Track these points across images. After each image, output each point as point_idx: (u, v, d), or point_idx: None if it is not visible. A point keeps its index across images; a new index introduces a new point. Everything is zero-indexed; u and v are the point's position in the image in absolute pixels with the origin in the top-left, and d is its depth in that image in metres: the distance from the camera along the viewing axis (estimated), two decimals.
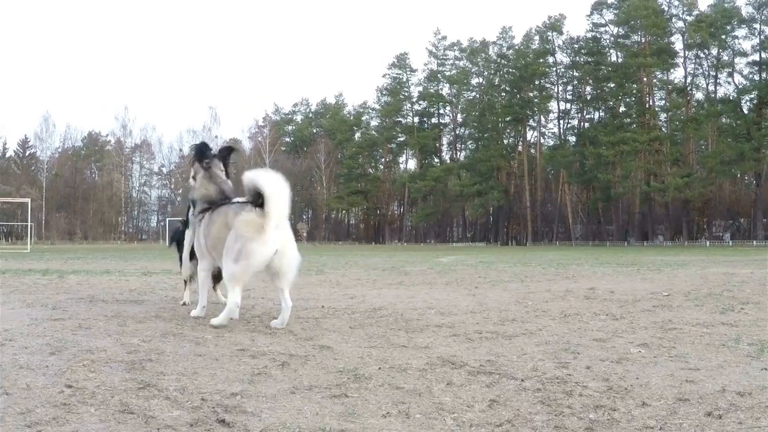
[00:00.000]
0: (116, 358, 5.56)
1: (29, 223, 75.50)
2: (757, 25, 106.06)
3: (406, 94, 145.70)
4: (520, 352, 5.95)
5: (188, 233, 9.24)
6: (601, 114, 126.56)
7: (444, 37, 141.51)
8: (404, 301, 10.08)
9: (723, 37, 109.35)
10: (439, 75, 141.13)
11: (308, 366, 5.34)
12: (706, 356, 5.75)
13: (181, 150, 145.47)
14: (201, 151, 8.56)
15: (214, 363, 5.42)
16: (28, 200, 69.70)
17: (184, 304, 9.62)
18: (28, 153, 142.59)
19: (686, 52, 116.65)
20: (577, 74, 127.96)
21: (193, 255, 9.06)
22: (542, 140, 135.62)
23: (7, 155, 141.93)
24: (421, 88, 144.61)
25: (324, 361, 5.56)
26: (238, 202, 7.79)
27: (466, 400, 4.26)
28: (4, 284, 13.81)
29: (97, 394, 4.35)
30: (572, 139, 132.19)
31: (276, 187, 7.30)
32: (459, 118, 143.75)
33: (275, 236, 7.36)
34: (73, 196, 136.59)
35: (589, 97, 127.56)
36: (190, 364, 5.34)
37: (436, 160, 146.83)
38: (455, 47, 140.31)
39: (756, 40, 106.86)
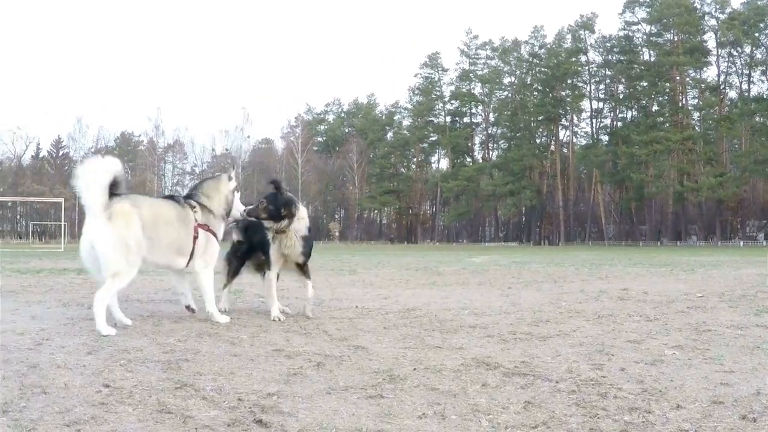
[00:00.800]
0: (153, 358, 5.60)
1: (63, 223, 75.92)
2: None
3: (438, 93, 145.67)
4: (555, 354, 5.95)
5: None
6: (633, 113, 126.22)
7: (476, 37, 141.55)
8: (438, 302, 10.08)
9: (756, 34, 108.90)
10: (471, 74, 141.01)
11: (343, 366, 5.36)
12: (740, 359, 5.72)
13: (213, 150, 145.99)
14: None
15: (250, 363, 5.44)
16: (62, 200, 69.95)
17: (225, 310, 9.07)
18: (61, 153, 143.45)
19: (719, 51, 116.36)
20: (609, 73, 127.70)
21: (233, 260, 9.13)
22: (575, 139, 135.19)
23: (41, 155, 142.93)
24: (453, 88, 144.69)
25: (359, 361, 5.58)
26: None
27: (501, 402, 4.26)
28: (39, 283, 13.91)
29: (134, 394, 4.38)
30: (605, 138, 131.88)
31: (81, 171, 7.06)
32: (491, 117, 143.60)
33: (86, 227, 7.15)
34: None
35: (621, 96, 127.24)
36: (226, 364, 5.37)
37: (469, 159, 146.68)
38: (487, 46, 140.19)
39: None
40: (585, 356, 5.83)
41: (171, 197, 8.00)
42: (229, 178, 8.28)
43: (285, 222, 8.13)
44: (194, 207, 7.81)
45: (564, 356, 5.83)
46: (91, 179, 6.92)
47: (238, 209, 8.37)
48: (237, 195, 8.37)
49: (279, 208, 8.07)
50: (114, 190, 7.12)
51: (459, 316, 8.53)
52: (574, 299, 11.18)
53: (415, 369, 5.26)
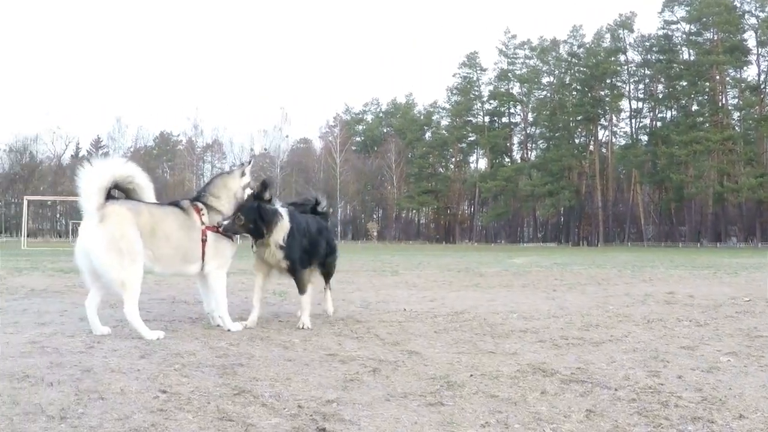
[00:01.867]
0: (207, 363, 5.61)
1: None
2: None
3: (477, 93, 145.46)
4: (609, 360, 5.92)
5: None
6: (673, 113, 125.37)
7: (514, 36, 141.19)
8: (484, 305, 10.03)
9: None
10: (509, 74, 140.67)
11: (399, 372, 5.35)
12: None
13: (252, 150, 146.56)
14: None
15: (305, 368, 5.44)
16: None
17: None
18: (100, 153, 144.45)
19: (759, 50, 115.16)
20: (648, 72, 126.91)
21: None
22: (614, 139, 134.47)
23: (80, 155, 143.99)
24: (491, 87, 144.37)
25: (414, 367, 5.57)
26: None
27: (562, 410, 4.24)
28: (84, 283, 13.98)
29: (192, 400, 4.38)
30: (644, 138, 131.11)
31: (81, 173, 6.95)
32: (530, 117, 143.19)
33: (80, 230, 7.14)
34: None
35: (661, 96, 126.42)
36: (282, 369, 5.37)
37: (507, 159, 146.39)
38: (525, 46, 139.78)
39: None
40: (640, 363, 5.80)
41: (175, 203, 7.71)
42: (242, 174, 7.97)
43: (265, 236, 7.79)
44: (201, 209, 7.55)
45: (619, 362, 5.80)
46: (87, 180, 6.85)
47: None
48: (247, 191, 7.91)
49: (258, 223, 7.66)
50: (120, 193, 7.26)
51: (508, 320, 8.49)
52: (621, 303, 11.13)
53: (471, 375, 5.24)
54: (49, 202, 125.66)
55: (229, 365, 5.50)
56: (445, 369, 5.48)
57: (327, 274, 9.04)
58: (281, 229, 7.80)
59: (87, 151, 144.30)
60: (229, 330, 7.42)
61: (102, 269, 6.88)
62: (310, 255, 8.29)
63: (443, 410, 4.22)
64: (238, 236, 7.81)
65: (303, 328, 7.77)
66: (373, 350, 6.34)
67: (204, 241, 7.46)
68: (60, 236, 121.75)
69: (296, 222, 8.01)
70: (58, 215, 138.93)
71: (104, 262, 6.83)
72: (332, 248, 8.94)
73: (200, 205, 7.59)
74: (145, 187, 7.45)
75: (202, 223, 7.47)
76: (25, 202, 65.54)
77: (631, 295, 12.63)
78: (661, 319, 8.87)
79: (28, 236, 70.18)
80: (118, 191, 7.30)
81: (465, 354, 6.18)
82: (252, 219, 7.60)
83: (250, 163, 8.31)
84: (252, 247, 8.05)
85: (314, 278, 8.60)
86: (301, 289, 8.12)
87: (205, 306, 8.03)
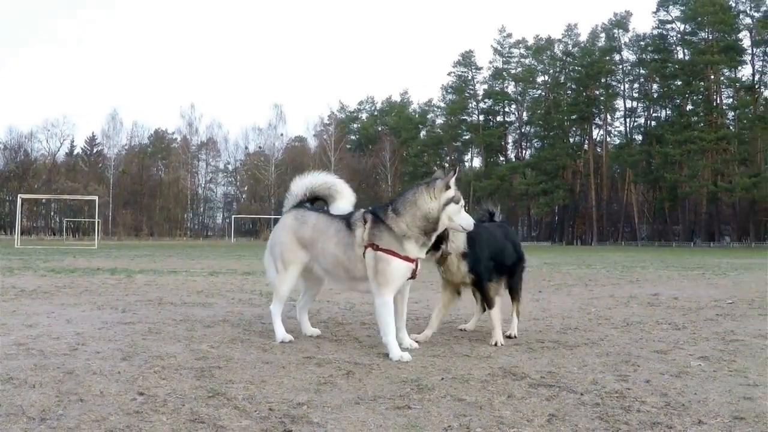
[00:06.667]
0: (186, 365, 5.71)
1: (96, 220, 76.75)
2: None
3: (472, 92, 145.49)
4: (581, 364, 6.01)
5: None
6: (667, 112, 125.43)
7: (509, 35, 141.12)
8: (469, 307, 10.00)
9: None
10: (504, 73, 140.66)
11: (372, 375, 5.44)
12: (765, 371, 5.74)
13: (246, 148, 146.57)
14: None
15: (281, 371, 5.53)
16: (96, 197, 70.52)
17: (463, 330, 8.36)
18: (95, 150, 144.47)
19: (754, 49, 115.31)
20: (643, 72, 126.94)
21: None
22: (608, 139, 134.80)
23: (75, 153, 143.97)
24: (486, 86, 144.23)
25: (388, 370, 5.66)
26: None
27: (526, 414, 4.32)
28: (74, 284, 14.08)
29: (168, 402, 4.48)
30: (638, 137, 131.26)
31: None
32: (524, 116, 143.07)
33: None
34: (139, 193, 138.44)
35: (655, 95, 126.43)
36: (258, 372, 5.47)
37: (502, 158, 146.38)
38: (520, 45, 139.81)
39: None
40: (611, 367, 5.88)
41: (349, 215, 7.07)
42: (447, 187, 6.55)
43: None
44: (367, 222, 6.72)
45: (590, 366, 5.89)
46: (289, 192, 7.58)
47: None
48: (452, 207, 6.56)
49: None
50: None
51: (487, 323, 8.49)
52: (604, 305, 11.22)
53: (442, 378, 5.33)
54: (43, 200, 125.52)
55: (207, 368, 5.60)
56: (417, 372, 5.57)
57: (515, 290, 8.14)
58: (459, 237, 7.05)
59: (82, 149, 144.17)
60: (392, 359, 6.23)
61: (265, 268, 7.59)
62: (496, 264, 7.47)
63: (409, 413, 4.31)
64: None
65: (496, 345, 7.04)
66: (350, 353, 6.42)
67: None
68: (54, 234, 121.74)
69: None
70: (52, 213, 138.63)
71: (265, 263, 7.58)
72: (520, 256, 8.02)
73: (369, 217, 6.74)
74: (344, 195, 7.60)
75: (364, 239, 6.64)
76: (19, 200, 65.47)
77: (616, 296, 12.72)
78: (640, 322, 8.96)
79: (21, 234, 70.23)
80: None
81: (439, 357, 6.28)
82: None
83: (455, 172, 6.73)
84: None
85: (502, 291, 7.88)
86: (489, 304, 7.48)
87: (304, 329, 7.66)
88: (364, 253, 6.60)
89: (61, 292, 12.38)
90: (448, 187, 6.51)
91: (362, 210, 6.91)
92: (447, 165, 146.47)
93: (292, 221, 7.18)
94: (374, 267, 6.51)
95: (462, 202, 6.58)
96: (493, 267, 7.38)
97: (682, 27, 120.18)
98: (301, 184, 7.51)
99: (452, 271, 7.32)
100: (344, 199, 7.43)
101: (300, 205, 7.41)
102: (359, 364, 5.90)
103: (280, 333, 7.09)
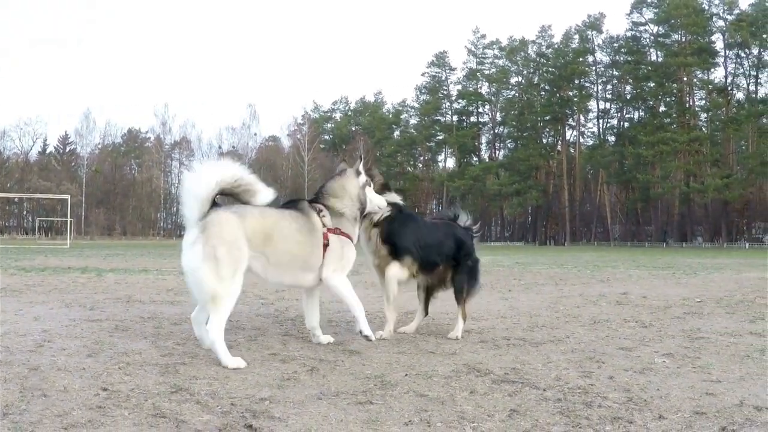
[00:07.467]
0: (151, 361, 5.71)
1: (69, 219, 76.21)
2: None
3: (445, 92, 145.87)
4: (546, 360, 6.03)
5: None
6: (640, 113, 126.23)
7: (483, 36, 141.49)
8: (437, 305, 9.92)
9: (764, 36, 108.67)
10: (478, 73, 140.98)
11: (336, 371, 5.45)
12: (729, 368, 5.80)
13: (220, 147, 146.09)
14: None
15: (245, 367, 5.54)
16: (68, 196, 70.17)
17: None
18: (68, 149, 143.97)
19: (727, 52, 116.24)
20: (616, 73, 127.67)
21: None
22: (581, 140, 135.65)
23: (48, 151, 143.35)
24: (460, 87, 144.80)
25: (352, 366, 5.68)
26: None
27: (487, 410, 4.34)
28: (43, 282, 14.03)
29: (131, 398, 4.48)
30: (611, 138, 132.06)
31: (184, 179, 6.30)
32: (498, 116, 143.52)
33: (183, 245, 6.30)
34: (112, 193, 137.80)
35: (628, 97, 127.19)
36: (222, 369, 5.46)
37: (475, 158, 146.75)
38: (494, 46, 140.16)
39: None
40: (575, 363, 5.92)
41: (291, 204, 6.84)
42: (357, 173, 7.04)
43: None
44: (321, 211, 6.69)
45: (555, 363, 5.92)
46: (190, 188, 6.14)
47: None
48: (368, 190, 7.12)
49: None
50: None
51: (451, 322, 8.49)
52: (573, 303, 11.27)
53: (406, 374, 5.35)
54: (15, 199, 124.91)
55: (172, 364, 5.60)
56: (382, 368, 5.58)
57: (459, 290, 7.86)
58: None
59: (54, 147, 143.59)
60: (367, 337, 6.58)
61: (196, 282, 6.05)
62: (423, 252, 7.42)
63: (371, 408, 4.33)
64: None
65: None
66: (315, 350, 6.43)
67: (326, 245, 6.60)
68: (26, 233, 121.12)
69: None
70: (24, 212, 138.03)
71: (195, 275, 6.04)
72: (466, 253, 7.99)
73: (319, 206, 6.76)
74: (259, 190, 6.40)
75: (324, 225, 6.64)
76: None
77: (585, 295, 12.78)
78: (607, 320, 9.01)
79: None
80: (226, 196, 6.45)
81: (405, 354, 6.29)
82: None
83: (361, 161, 7.27)
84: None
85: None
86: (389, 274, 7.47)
87: (306, 322, 7.06)
88: (325, 240, 6.58)
89: (31, 290, 12.34)
90: (359, 173, 7.07)
91: (302, 199, 6.93)
92: (420, 165, 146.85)
93: (233, 216, 6.14)
94: (339, 250, 6.66)
95: (372, 185, 7.25)
96: (415, 250, 7.35)
97: (655, 29, 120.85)
98: (208, 182, 6.13)
99: (374, 249, 7.45)
100: (261, 196, 6.38)
101: (214, 206, 6.23)
102: (324, 360, 5.90)
103: (229, 359, 5.66)
